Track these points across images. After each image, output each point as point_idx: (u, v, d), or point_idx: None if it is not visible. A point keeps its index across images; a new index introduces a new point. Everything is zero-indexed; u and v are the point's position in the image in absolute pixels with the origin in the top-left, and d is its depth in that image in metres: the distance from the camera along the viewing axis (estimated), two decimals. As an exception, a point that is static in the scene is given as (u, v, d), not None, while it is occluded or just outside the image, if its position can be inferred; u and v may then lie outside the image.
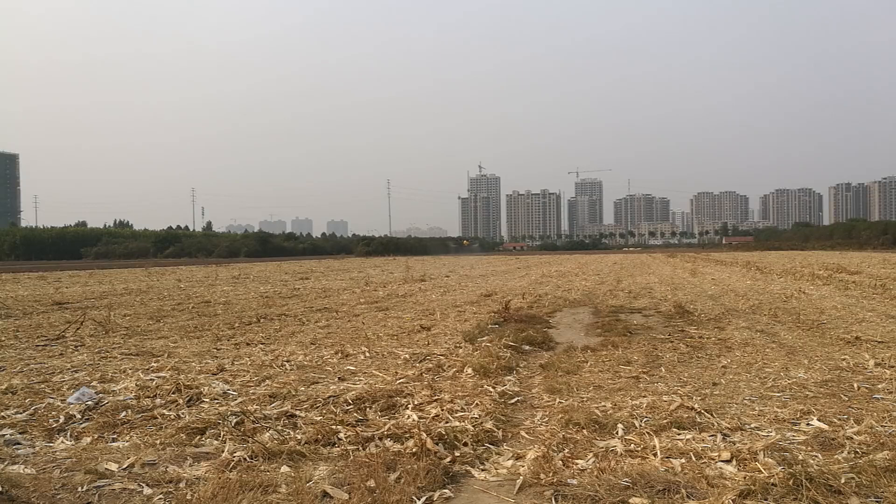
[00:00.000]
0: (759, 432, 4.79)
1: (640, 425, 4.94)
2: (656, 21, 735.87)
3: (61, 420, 5.30)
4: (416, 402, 5.61)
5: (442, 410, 5.35)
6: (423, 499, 3.69)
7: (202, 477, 3.96)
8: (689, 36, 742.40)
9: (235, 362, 7.73)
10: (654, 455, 4.27)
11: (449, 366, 7.33)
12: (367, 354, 8.26)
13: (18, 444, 4.74)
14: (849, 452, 4.26)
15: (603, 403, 5.67)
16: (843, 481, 3.68)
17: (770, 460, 4.05)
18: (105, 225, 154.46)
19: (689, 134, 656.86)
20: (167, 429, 5.03)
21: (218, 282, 26.49)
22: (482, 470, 4.20)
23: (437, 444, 4.46)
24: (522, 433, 4.96)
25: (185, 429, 4.94)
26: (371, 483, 3.76)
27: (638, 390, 6.18)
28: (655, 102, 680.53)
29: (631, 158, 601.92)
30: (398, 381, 6.49)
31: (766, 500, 3.53)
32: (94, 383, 6.55)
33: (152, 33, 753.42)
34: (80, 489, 3.79)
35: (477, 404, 5.59)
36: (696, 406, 5.39)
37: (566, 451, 4.43)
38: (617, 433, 4.79)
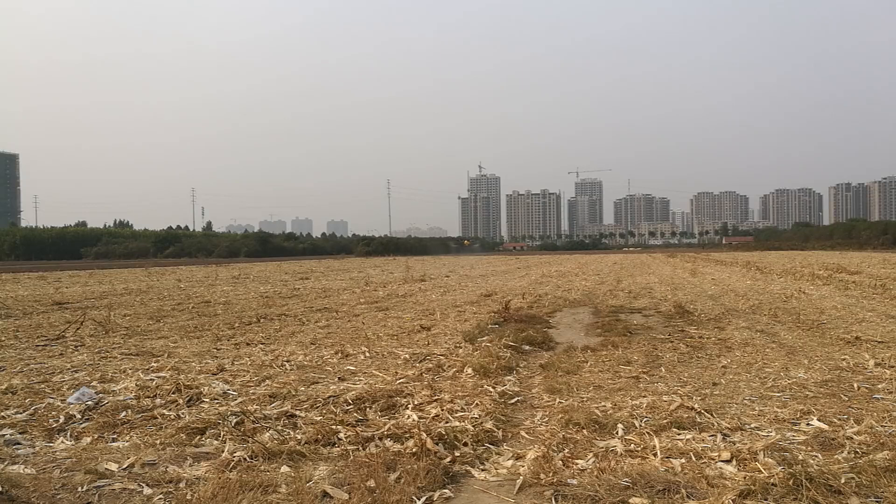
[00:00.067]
0: (759, 432, 4.79)
1: (640, 425, 4.94)
2: (656, 21, 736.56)
3: (61, 420, 5.30)
4: (416, 402, 5.61)
5: (442, 410, 5.35)
6: (423, 499, 3.69)
7: (202, 477, 3.96)
8: (689, 36, 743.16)
9: (235, 362, 7.73)
10: (654, 455, 4.27)
11: (449, 366, 7.33)
12: (367, 354, 8.26)
13: (18, 444, 4.75)
14: (849, 452, 4.26)
15: (603, 403, 5.67)
16: (843, 481, 3.68)
17: (770, 460, 4.05)
18: (105, 225, 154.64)
19: (689, 134, 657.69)
20: (167, 429, 5.03)
21: (218, 282, 26.49)
22: (482, 470, 4.20)
23: (437, 444, 4.46)
24: (522, 433, 4.96)
25: (185, 429, 4.94)
26: (371, 483, 3.76)
27: (638, 390, 6.18)
28: (655, 102, 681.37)
29: (631, 158, 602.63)
30: (398, 381, 6.49)
31: (766, 500, 3.53)
32: (94, 383, 6.55)
33: (152, 33, 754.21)
34: (80, 489, 3.79)
35: (477, 404, 5.59)
36: (696, 406, 5.39)
37: (566, 451, 4.43)
38: (617, 433, 4.79)
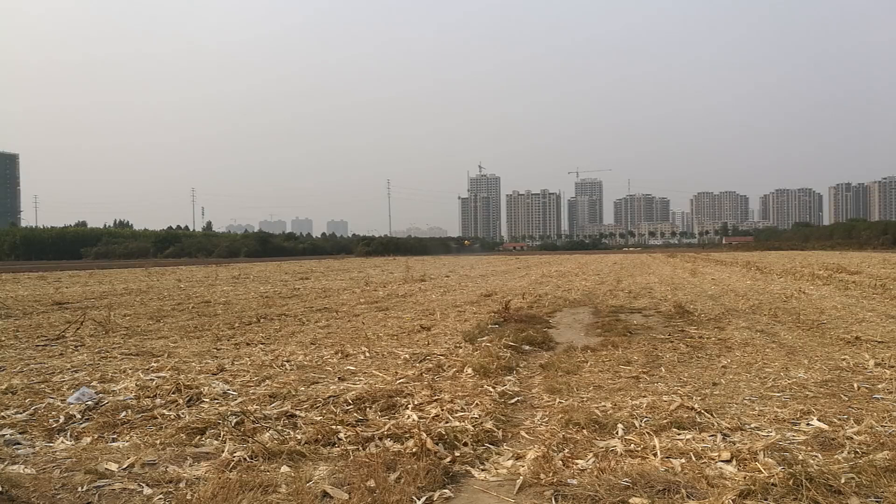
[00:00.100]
0: (759, 432, 4.79)
1: (640, 425, 4.94)
2: (656, 21, 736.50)
3: (61, 420, 5.30)
4: (416, 402, 5.61)
5: (442, 410, 5.35)
6: (423, 499, 3.69)
7: (202, 477, 3.96)
8: (689, 36, 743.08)
9: (235, 362, 7.73)
10: (654, 455, 4.27)
11: (449, 366, 7.33)
12: (367, 354, 8.26)
13: (18, 444, 4.75)
14: (849, 452, 4.26)
15: (603, 403, 5.67)
16: (843, 481, 3.68)
17: (770, 460, 4.05)
18: (105, 225, 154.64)
19: (689, 134, 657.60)
20: (167, 429, 5.03)
21: (218, 282, 26.49)
22: (482, 470, 4.20)
23: (437, 444, 4.46)
24: (522, 433, 4.96)
25: (185, 429, 4.94)
26: (371, 483, 3.76)
27: (638, 390, 6.18)
28: (655, 102, 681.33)
29: (631, 158, 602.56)
30: (398, 381, 6.49)
31: (766, 500, 3.53)
32: (94, 383, 6.55)
33: (152, 33, 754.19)
34: (80, 489, 3.79)
35: (477, 404, 5.59)
36: (696, 406, 5.39)
37: (566, 451, 4.43)
38: (617, 433, 4.79)
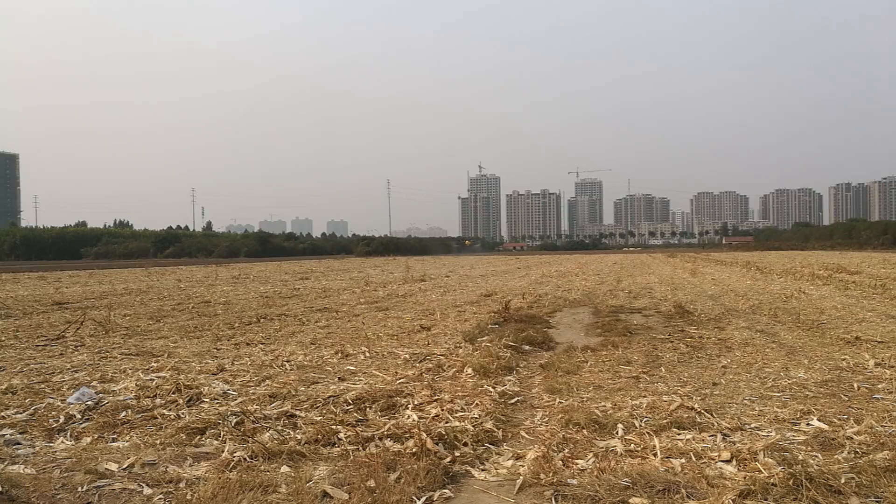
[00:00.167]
0: (759, 432, 4.79)
1: (640, 425, 4.94)
2: (656, 21, 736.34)
3: (61, 420, 5.30)
4: (416, 402, 5.61)
5: (442, 410, 5.35)
6: (423, 499, 3.69)
7: (202, 477, 3.96)
8: (689, 36, 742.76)
9: (235, 362, 7.73)
10: (654, 455, 4.27)
11: (449, 366, 7.33)
12: (367, 354, 8.26)
13: (18, 444, 4.75)
14: (849, 452, 4.26)
15: (603, 403, 5.67)
16: (843, 481, 3.68)
17: (770, 460, 4.05)
18: (105, 225, 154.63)
19: (689, 134, 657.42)
20: (167, 429, 5.03)
21: (218, 282, 26.49)
22: (482, 470, 4.20)
23: (437, 444, 4.46)
24: (522, 433, 4.96)
25: (185, 429, 4.94)
26: (371, 483, 3.76)
27: (638, 390, 6.18)
28: (655, 102, 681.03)
29: (631, 158, 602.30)
30: (398, 381, 6.49)
31: (766, 500, 3.53)
32: (94, 383, 6.55)
33: (152, 33, 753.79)
34: (80, 489, 3.79)
35: (477, 404, 5.59)
36: (696, 406, 5.39)
37: (566, 451, 4.43)
38: (617, 433, 4.79)
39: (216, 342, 9.64)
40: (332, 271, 37.40)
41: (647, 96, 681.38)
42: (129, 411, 5.50)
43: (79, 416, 5.38)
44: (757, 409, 5.48)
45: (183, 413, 5.44)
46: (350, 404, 5.59)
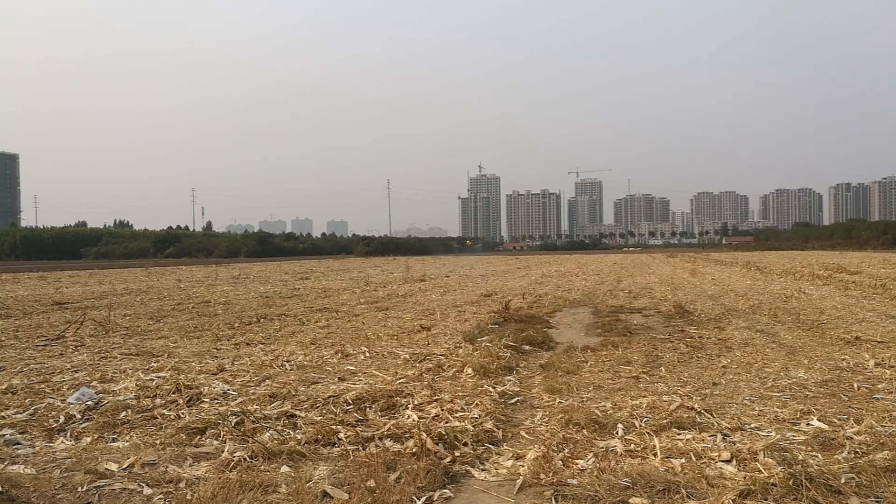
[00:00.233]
0: (759, 432, 4.79)
1: (640, 425, 4.94)
2: (656, 21, 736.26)
3: (61, 420, 5.30)
4: (416, 402, 5.61)
5: (442, 410, 5.35)
6: (423, 499, 3.69)
7: (202, 477, 3.96)
8: (689, 36, 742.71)
9: (235, 362, 7.73)
10: (654, 455, 4.27)
11: (449, 366, 7.33)
12: (367, 354, 8.26)
13: (18, 444, 4.75)
14: (849, 452, 4.26)
15: (603, 403, 5.67)
16: (843, 481, 3.68)
17: (770, 460, 4.05)
18: (105, 225, 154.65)
19: (689, 134, 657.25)
20: (167, 429, 5.03)
21: (218, 282, 26.50)
22: (482, 470, 4.20)
23: (437, 444, 4.46)
24: (522, 433, 4.96)
25: (185, 429, 4.94)
26: (371, 483, 3.76)
27: (638, 390, 6.18)
28: (655, 102, 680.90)
29: (631, 158, 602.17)
30: (398, 381, 6.49)
31: (766, 500, 3.53)
32: (94, 383, 6.55)
33: (152, 33, 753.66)
34: (80, 489, 3.79)
35: (477, 404, 5.59)
36: (696, 406, 5.39)
37: (566, 451, 4.43)
38: (617, 433, 4.79)
39: (216, 342, 9.65)
40: (332, 271, 37.40)
41: (647, 96, 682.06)
42: (129, 411, 5.50)
43: (79, 416, 5.38)
44: (757, 409, 5.48)
45: (183, 413, 5.44)
46: (350, 404, 5.59)
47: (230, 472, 4.04)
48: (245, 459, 4.26)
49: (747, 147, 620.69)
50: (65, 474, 4.03)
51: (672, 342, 9.09)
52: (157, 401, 5.81)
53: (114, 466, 4.13)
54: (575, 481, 3.87)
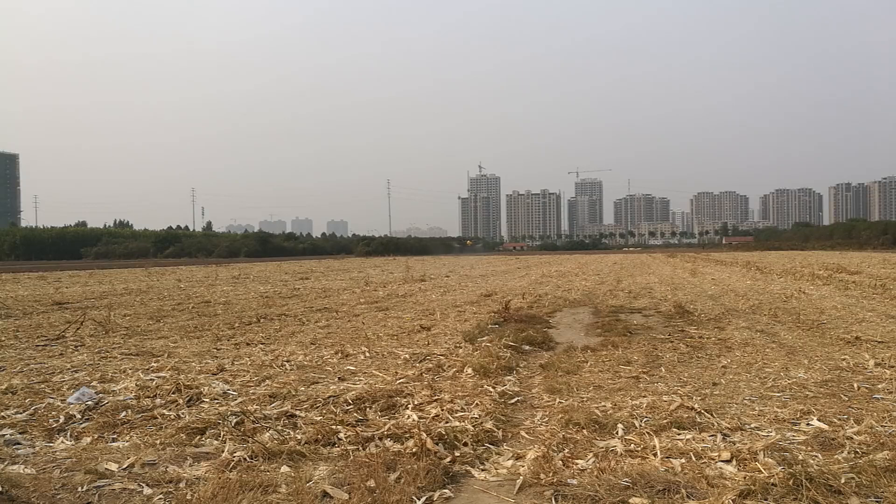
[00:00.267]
0: (759, 432, 4.79)
1: (640, 425, 4.94)
2: (656, 21, 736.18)
3: (61, 420, 5.31)
4: (416, 402, 5.61)
5: (442, 410, 5.35)
6: (423, 499, 3.69)
7: (202, 477, 3.96)
8: (689, 36, 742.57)
9: (235, 362, 7.74)
10: (654, 455, 4.27)
11: (449, 366, 7.33)
12: (367, 354, 8.26)
13: (18, 444, 4.75)
14: (849, 452, 4.26)
15: (603, 403, 5.67)
16: (843, 481, 3.68)
17: (770, 460, 4.05)
18: (105, 225, 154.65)
19: (689, 134, 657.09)
20: (167, 429, 5.03)
21: (218, 282, 26.50)
22: (482, 470, 4.20)
23: (437, 444, 4.46)
24: (522, 433, 4.96)
25: (185, 429, 4.94)
26: (371, 483, 3.76)
27: (638, 390, 6.19)
28: (655, 102, 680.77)
29: (631, 158, 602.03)
30: (398, 381, 6.49)
31: (766, 500, 3.53)
32: (94, 383, 6.55)
33: (152, 33, 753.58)
34: (80, 489, 3.79)
35: (477, 404, 5.59)
36: (696, 406, 5.39)
37: (566, 451, 4.43)
38: (617, 433, 4.79)
39: (216, 342, 9.65)
40: (332, 271, 37.40)
41: (647, 96, 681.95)
42: (129, 411, 5.50)
43: (79, 416, 5.38)
44: (757, 409, 5.48)
45: (183, 413, 5.44)
46: (350, 404, 5.59)
47: (230, 472, 4.04)
48: (245, 459, 4.26)
49: (747, 147, 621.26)
50: (65, 474, 4.03)
51: (672, 342, 9.09)
52: (157, 401, 5.81)
53: (114, 466, 4.13)
54: (575, 481, 3.87)
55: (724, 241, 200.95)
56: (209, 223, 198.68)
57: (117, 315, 13.16)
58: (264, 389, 6.22)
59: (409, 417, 5.19)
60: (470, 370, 6.95)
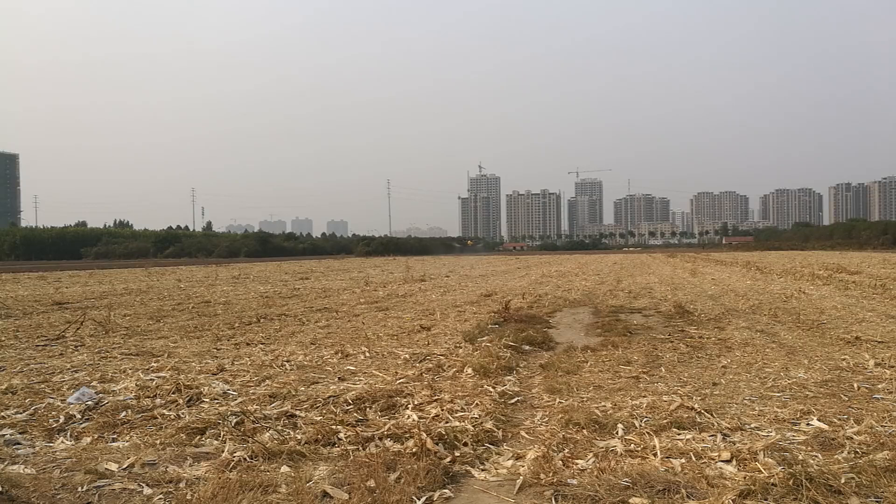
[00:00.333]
0: (759, 432, 4.79)
1: (640, 425, 4.94)
2: (656, 21, 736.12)
3: (61, 420, 5.30)
4: (416, 402, 5.62)
5: (442, 410, 5.35)
6: (423, 499, 3.69)
7: (202, 477, 3.96)
8: (689, 36, 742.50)
9: (235, 362, 7.74)
10: (654, 455, 4.27)
11: (449, 366, 7.33)
12: (367, 354, 8.26)
13: (18, 444, 4.75)
14: (849, 452, 4.26)
15: (603, 403, 5.67)
16: (843, 481, 3.68)
17: (770, 460, 4.05)
18: (105, 225, 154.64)
19: (689, 134, 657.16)
20: (167, 429, 5.03)
21: (218, 282, 26.49)
22: (482, 470, 4.20)
23: (437, 444, 4.46)
24: (522, 433, 4.96)
25: (185, 429, 4.94)
26: (371, 483, 3.76)
27: (638, 390, 6.19)
28: (655, 102, 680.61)
29: (631, 158, 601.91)
30: (398, 381, 6.49)
31: (766, 500, 3.53)
32: (94, 383, 6.55)
33: (152, 33, 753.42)
34: (80, 489, 3.79)
35: (477, 404, 5.59)
36: (696, 406, 5.39)
37: (566, 451, 4.43)
38: (617, 433, 4.79)
39: (216, 342, 9.65)
40: (332, 271, 37.40)
41: (647, 96, 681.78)
42: (129, 411, 5.50)
43: (79, 416, 5.38)
44: (757, 409, 5.48)
45: (183, 413, 5.44)
46: (350, 404, 5.59)
47: (230, 472, 4.04)
48: (245, 459, 4.26)
49: (747, 147, 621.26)
50: (65, 474, 4.03)
51: (672, 342, 9.09)
52: (157, 401, 5.81)
53: (114, 466, 4.13)
54: (575, 481, 3.87)
55: (724, 241, 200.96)
56: (209, 223, 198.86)
57: (117, 315, 13.16)
58: (264, 389, 6.22)
59: (409, 417, 5.19)
60: (470, 370, 6.95)
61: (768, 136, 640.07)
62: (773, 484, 3.66)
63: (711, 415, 5.20)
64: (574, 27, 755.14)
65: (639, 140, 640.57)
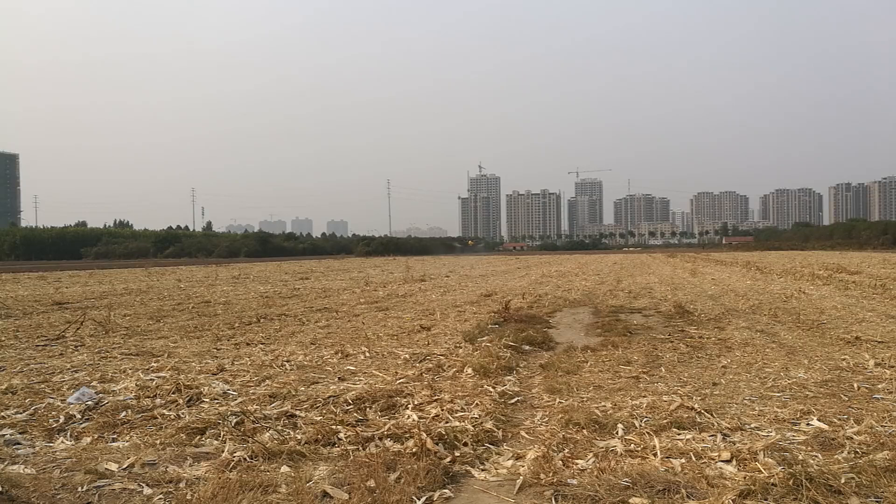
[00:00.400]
0: (759, 432, 4.79)
1: (640, 425, 4.94)
2: (656, 21, 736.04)
3: (61, 420, 5.31)
4: (416, 402, 5.62)
5: (442, 410, 5.35)
6: (423, 499, 3.69)
7: (202, 477, 3.96)
8: (689, 36, 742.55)
9: (235, 362, 7.74)
10: (654, 455, 4.27)
11: (449, 366, 7.33)
12: (367, 354, 8.26)
13: (18, 444, 4.75)
14: (849, 452, 4.26)
15: (603, 403, 5.67)
16: (843, 481, 3.68)
17: (770, 460, 4.05)
18: (105, 225, 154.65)
19: (689, 134, 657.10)
20: (167, 429, 5.03)
21: (218, 282, 26.49)
22: (482, 470, 4.20)
23: (437, 444, 4.46)
24: (522, 433, 4.96)
25: (185, 429, 4.94)
26: (371, 483, 3.76)
27: (638, 390, 6.19)
28: (655, 102, 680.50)
29: (631, 158, 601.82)
30: (398, 381, 6.49)
31: (766, 500, 3.53)
32: (94, 383, 6.55)
33: (152, 33, 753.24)
34: (80, 489, 3.79)
35: (477, 404, 5.59)
36: (696, 406, 5.39)
37: (566, 451, 4.43)
38: (617, 433, 4.79)
39: (216, 342, 9.65)
40: (332, 271, 37.40)
41: (647, 96, 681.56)
42: (129, 411, 5.50)
43: (79, 416, 5.38)
44: (757, 409, 5.48)
45: (183, 413, 5.44)
46: (350, 404, 5.59)
47: (230, 472, 4.04)
48: (245, 459, 4.26)
49: (747, 147, 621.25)
50: (65, 474, 4.03)
51: (672, 342, 9.09)
52: (157, 401, 5.81)
53: (114, 466, 4.13)
54: (575, 481, 3.87)
55: (724, 241, 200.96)
56: (209, 223, 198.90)
57: (117, 315, 13.16)
58: (264, 389, 6.22)
59: (409, 417, 5.19)
60: (470, 370, 6.95)
61: (768, 136, 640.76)
62: (773, 484, 3.66)
63: (711, 415, 5.20)
64: (574, 27, 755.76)
65: (639, 140, 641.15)
